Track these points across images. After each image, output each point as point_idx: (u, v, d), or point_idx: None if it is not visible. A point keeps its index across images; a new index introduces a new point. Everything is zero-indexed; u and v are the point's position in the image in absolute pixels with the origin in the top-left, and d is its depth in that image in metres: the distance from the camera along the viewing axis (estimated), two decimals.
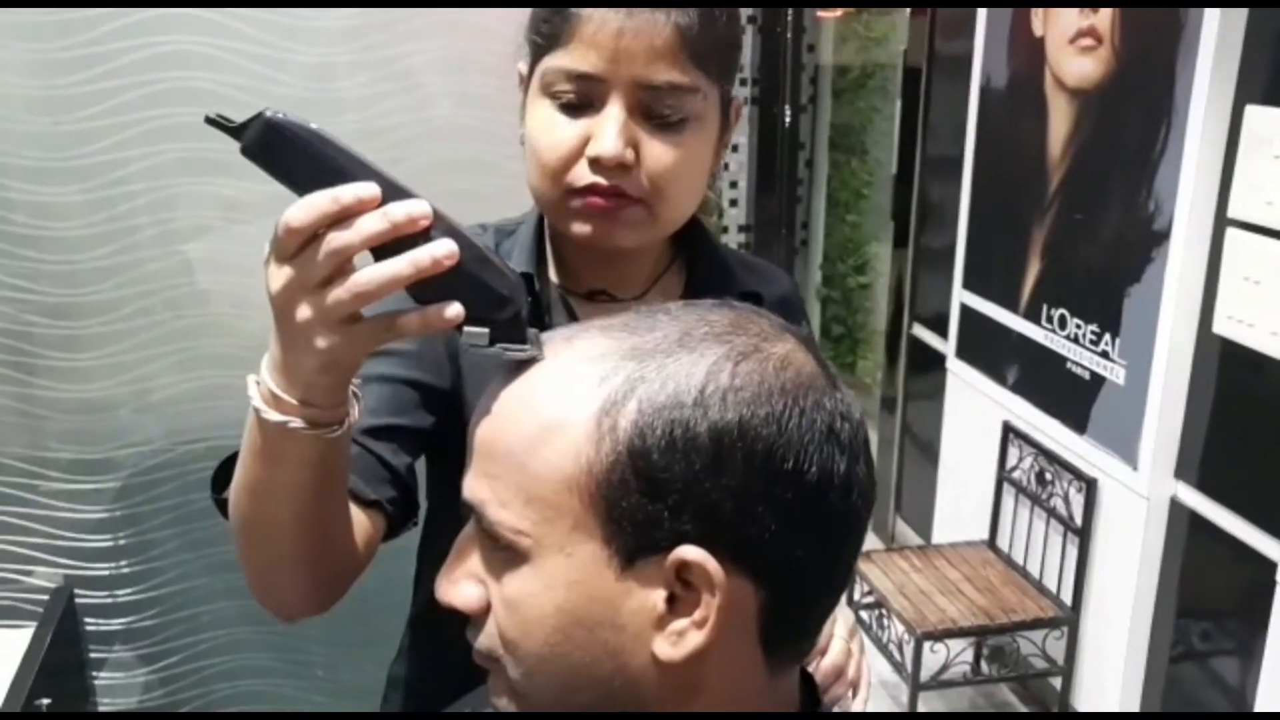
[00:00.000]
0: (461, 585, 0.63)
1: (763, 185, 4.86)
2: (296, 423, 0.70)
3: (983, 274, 2.78)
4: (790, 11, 4.62)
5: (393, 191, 0.65)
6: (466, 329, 0.67)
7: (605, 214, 0.90)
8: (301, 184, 0.64)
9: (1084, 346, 2.36)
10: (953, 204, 2.89)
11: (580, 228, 0.91)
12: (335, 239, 0.64)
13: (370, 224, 0.63)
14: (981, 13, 2.71)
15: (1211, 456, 2.08)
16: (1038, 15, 2.47)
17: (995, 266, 2.72)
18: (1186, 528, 2.15)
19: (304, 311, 0.66)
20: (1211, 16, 1.94)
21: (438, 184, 1.53)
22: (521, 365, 0.64)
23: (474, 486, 0.62)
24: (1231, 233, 1.96)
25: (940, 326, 3.03)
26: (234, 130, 0.65)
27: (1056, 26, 2.41)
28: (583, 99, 0.88)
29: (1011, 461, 2.62)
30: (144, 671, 1.63)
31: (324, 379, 0.69)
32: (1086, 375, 2.35)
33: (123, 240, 1.46)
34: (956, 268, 2.88)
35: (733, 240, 4.98)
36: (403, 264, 0.64)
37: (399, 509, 0.90)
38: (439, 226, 0.66)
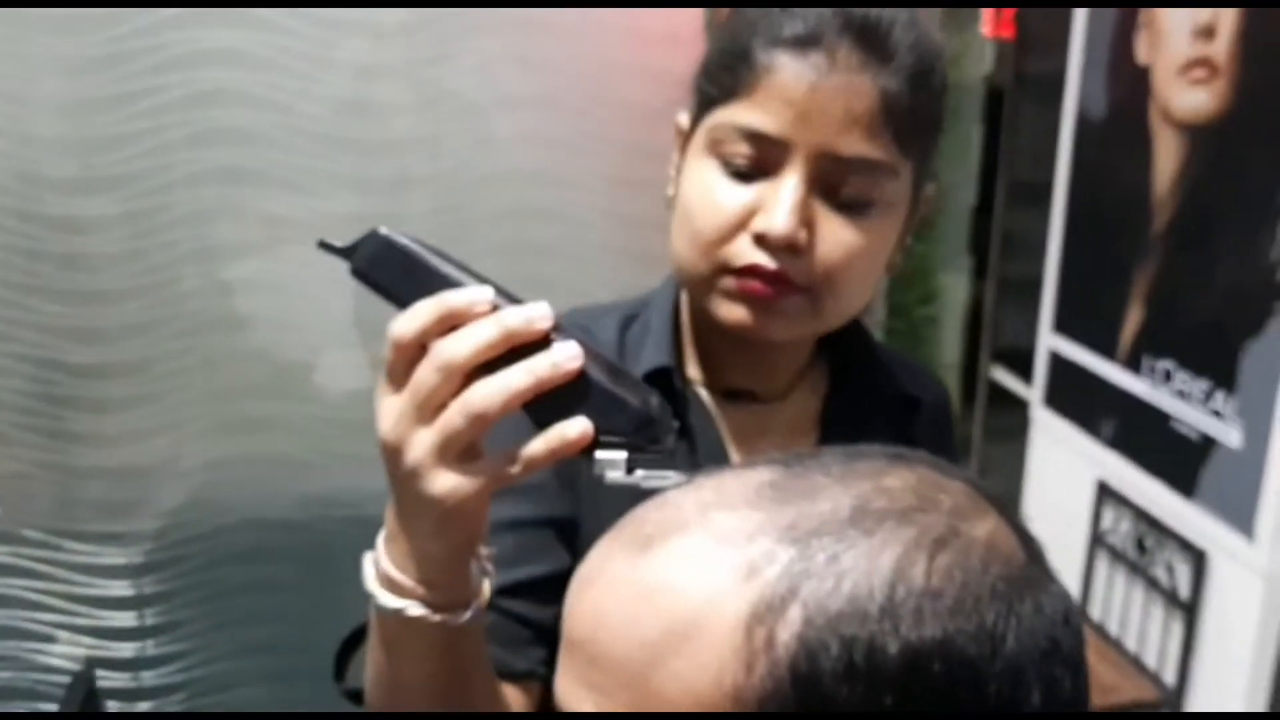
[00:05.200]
0: None
1: None
2: (416, 609, 0.60)
3: (1075, 317, 2.59)
4: None
5: (508, 301, 0.58)
6: (599, 454, 0.57)
7: (763, 301, 0.76)
8: (411, 302, 0.58)
9: (1192, 404, 2.16)
10: (1039, 239, 2.71)
11: (731, 312, 0.77)
12: (443, 349, 0.55)
13: (482, 330, 0.55)
14: (1077, 36, 2.53)
15: None
16: (1142, 42, 2.29)
17: (1090, 310, 2.53)
18: None
19: (416, 449, 0.56)
20: None
21: (492, 199, 1.42)
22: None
23: (572, 694, 0.47)
24: None
25: (1022, 368, 2.84)
26: (344, 251, 0.60)
27: (1164, 55, 2.22)
28: (756, 165, 0.75)
29: (1107, 524, 2.43)
30: None
31: (442, 544, 0.59)
32: (1195, 435, 2.16)
33: (156, 294, 1.34)
34: (1045, 308, 2.69)
35: None
36: (519, 373, 0.55)
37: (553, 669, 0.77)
38: (561, 335, 0.57)
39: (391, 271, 0.58)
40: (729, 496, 0.48)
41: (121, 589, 1.43)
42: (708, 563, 0.45)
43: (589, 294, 0.84)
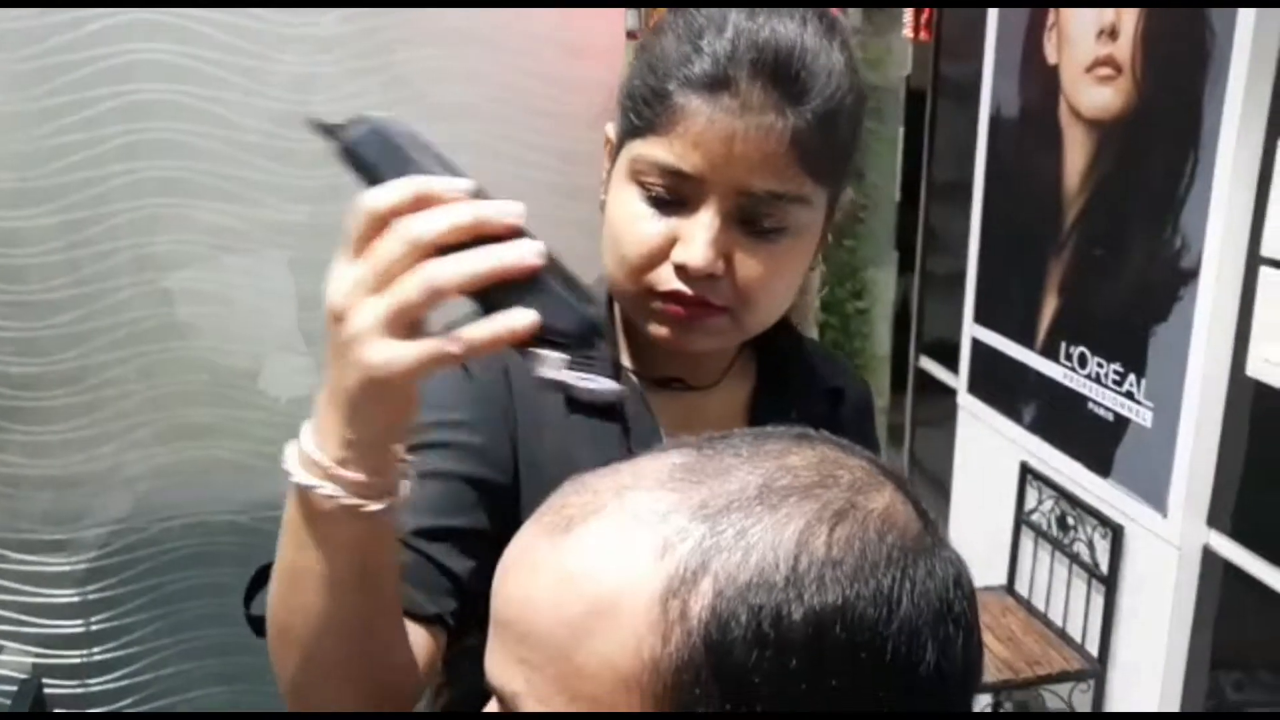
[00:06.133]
0: None
1: None
2: (329, 488, 0.60)
3: (995, 308, 2.69)
4: None
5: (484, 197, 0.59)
6: (539, 351, 0.57)
7: (685, 322, 0.81)
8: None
9: (1106, 386, 2.26)
10: (961, 233, 2.80)
11: (657, 330, 0.83)
12: (412, 223, 0.55)
13: (456, 212, 0.56)
14: (990, 37, 2.62)
15: (1246, 504, 1.98)
16: (1051, 42, 2.38)
17: (1009, 300, 2.62)
18: (1220, 578, 2.04)
19: (362, 315, 0.56)
20: (1242, 46, 1.84)
21: None
22: (562, 519, 0.53)
23: (504, 672, 0.51)
24: (1265, 272, 1.86)
25: (949, 358, 2.93)
26: (333, 129, 0.60)
27: (1071, 55, 2.32)
28: (675, 195, 0.79)
29: (1030, 504, 2.52)
30: None
31: (367, 421, 0.59)
32: (1110, 416, 2.25)
33: (94, 304, 1.35)
34: (967, 300, 2.78)
35: None
36: (482, 256, 0.56)
37: (463, 621, 0.78)
38: (525, 236, 0.58)
39: (378, 156, 0.58)
40: (644, 479, 0.51)
41: (67, 597, 1.43)
42: (624, 543, 0.48)
43: None
